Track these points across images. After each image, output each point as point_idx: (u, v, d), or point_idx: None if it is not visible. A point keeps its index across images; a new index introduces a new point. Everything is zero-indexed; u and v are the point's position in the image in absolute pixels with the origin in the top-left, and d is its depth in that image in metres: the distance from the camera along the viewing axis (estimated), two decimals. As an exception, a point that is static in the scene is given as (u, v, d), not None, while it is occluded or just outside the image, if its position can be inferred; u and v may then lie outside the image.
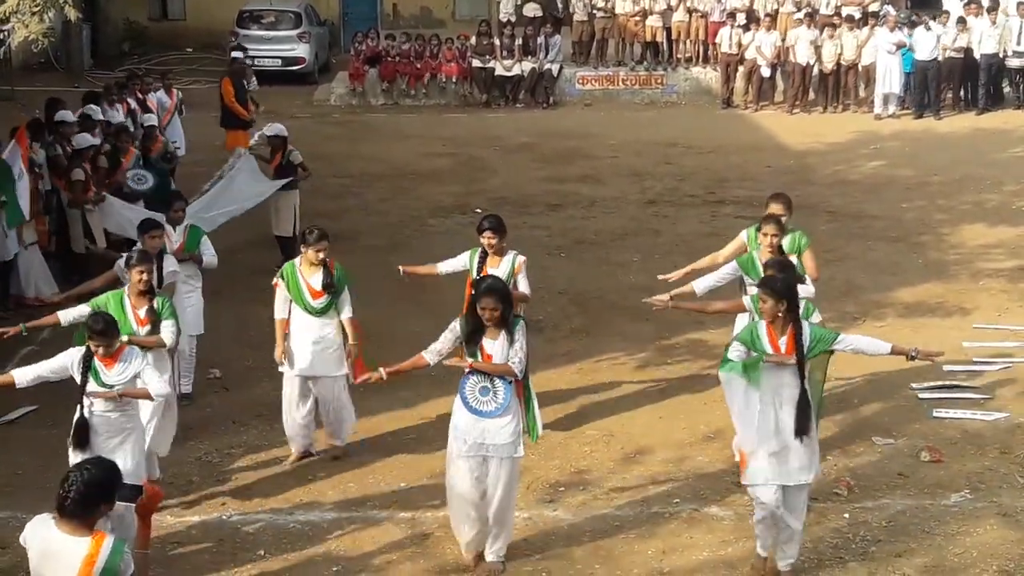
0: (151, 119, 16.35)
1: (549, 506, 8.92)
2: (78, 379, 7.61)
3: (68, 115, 14.42)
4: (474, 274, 9.68)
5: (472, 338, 7.70)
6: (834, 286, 13.66)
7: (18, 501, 8.84)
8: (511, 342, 7.66)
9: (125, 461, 7.26)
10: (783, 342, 7.56)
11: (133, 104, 17.23)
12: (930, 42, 24.15)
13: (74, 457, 7.54)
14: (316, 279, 9.36)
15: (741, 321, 9.27)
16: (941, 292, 13.56)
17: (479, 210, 17.27)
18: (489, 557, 8.03)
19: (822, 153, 21.40)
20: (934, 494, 8.98)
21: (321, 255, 9.29)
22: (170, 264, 9.86)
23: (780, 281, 7.68)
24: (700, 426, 10.22)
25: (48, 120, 14.55)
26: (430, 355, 7.89)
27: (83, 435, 7.61)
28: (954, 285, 13.84)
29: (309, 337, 9.41)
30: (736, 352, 7.66)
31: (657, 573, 8.00)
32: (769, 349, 7.56)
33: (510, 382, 7.71)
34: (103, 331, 7.55)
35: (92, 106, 15.56)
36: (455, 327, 7.81)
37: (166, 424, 9.00)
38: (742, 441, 7.80)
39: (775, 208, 9.76)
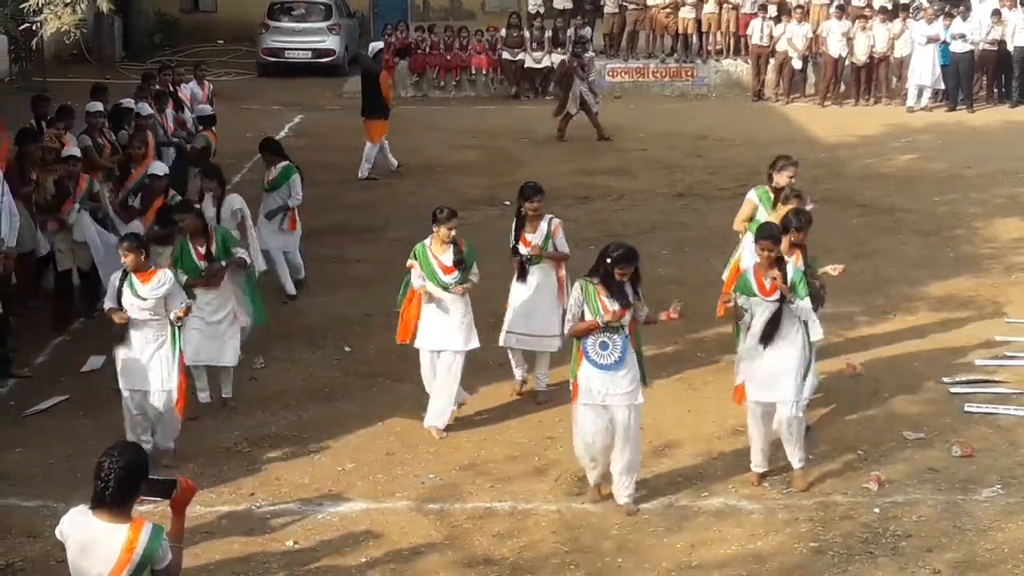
0: (206, 109, 16.41)
1: (577, 499, 8.90)
2: (115, 292, 9.12)
3: (97, 105, 14.48)
4: (512, 240, 10.46)
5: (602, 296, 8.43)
6: (864, 280, 13.59)
7: (48, 491, 8.91)
8: (637, 296, 8.54)
9: (162, 369, 9.10)
10: (767, 282, 8.73)
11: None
12: (966, 34, 23.99)
13: (120, 353, 9.17)
14: (447, 256, 9.76)
15: None
16: (973, 286, 13.46)
17: (508, 203, 17.25)
18: (623, 500, 8.67)
19: (853, 146, 21.29)
20: (965, 489, 8.93)
21: (452, 232, 9.70)
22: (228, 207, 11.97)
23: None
24: (729, 420, 10.18)
25: (116, 110, 15.17)
26: (568, 326, 8.65)
27: (124, 332, 9.12)
28: (986, 279, 13.74)
29: (440, 312, 9.72)
30: (742, 300, 8.84)
31: (685, 567, 7.98)
32: (758, 291, 8.75)
33: (627, 336, 8.48)
34: (131, 248, 9.07)
35: (129, 100, 15.67)
36: (577, 294, 8.49)
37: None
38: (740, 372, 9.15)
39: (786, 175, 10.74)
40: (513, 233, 10.53)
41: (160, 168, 12.37)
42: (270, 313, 12.61)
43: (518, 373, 10.81)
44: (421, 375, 10.17)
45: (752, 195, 11.06)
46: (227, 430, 10.02)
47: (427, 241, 9.90)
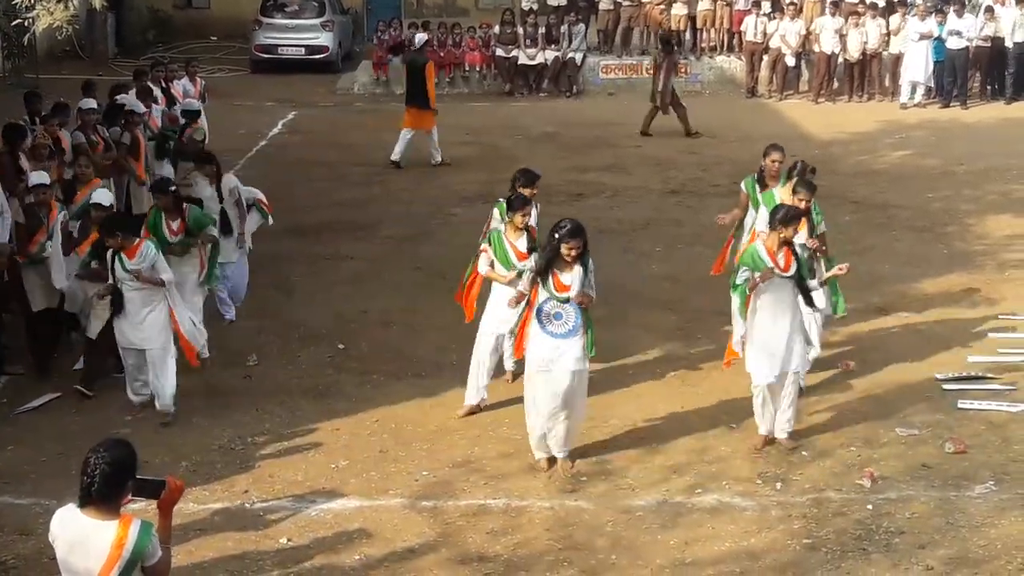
0: (193, 104, 16.40)
1: (571, 496, 8.90)
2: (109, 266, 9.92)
3: (91, 102, 14.46)
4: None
5: (546, 273, 8.88)
6: (858, 277, 13.55)
7: (41, 488, 8.90)
8: (586, 273, 8.93)
9: (156, 323, 9.96)
10: (780, 259, 9.24)
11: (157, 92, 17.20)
12: (960, 31, 24.02)
13: (117, 323, 10.00)
14: (522, 242, 9.94)
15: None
16: (966, 283, 13.48)
17: (502, 200, 17.25)
18: (560, 454, 9.24)
19: (847, 143, 21.31)
20: (958, 485, 8.94)
21: (527, 219, 9.93)
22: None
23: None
24: (722, 416, 10.19)
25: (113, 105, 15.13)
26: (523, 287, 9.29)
27: (119, 301, 9.92)
28: (980, 276, 13.76)
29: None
30: (743, 275, 9.26)
31: (679, 564, 7.99)
32: (770, 264, 9.20)
33: (582, 309, 8.94)
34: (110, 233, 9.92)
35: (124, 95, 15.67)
36: (530, 268, 9.16)
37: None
38: (737, 342, 9.61)
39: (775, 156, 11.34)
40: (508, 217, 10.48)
41: (105, 198, 11.16)
42: (262, 310, 12.64)
43: (510, 363, 10.82)
44: (475, 358, 10.25)
45: (742, 185, 11.66)
46: (220, 427, 10.01)
47: (502, 228, 10.15)
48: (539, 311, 8.96)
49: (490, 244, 10.05)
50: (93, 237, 10.68)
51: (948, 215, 16.49)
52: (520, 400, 10.47)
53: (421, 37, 21.32)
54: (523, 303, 9.27)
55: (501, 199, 10.66)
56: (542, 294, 8.96)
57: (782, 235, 9.25)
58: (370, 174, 18.98)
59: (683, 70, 21.99)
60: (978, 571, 7.82)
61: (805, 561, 7.97)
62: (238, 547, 8.21)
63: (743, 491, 8.93)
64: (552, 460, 9.29)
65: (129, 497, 5.38)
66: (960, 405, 10.30)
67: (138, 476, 5.39)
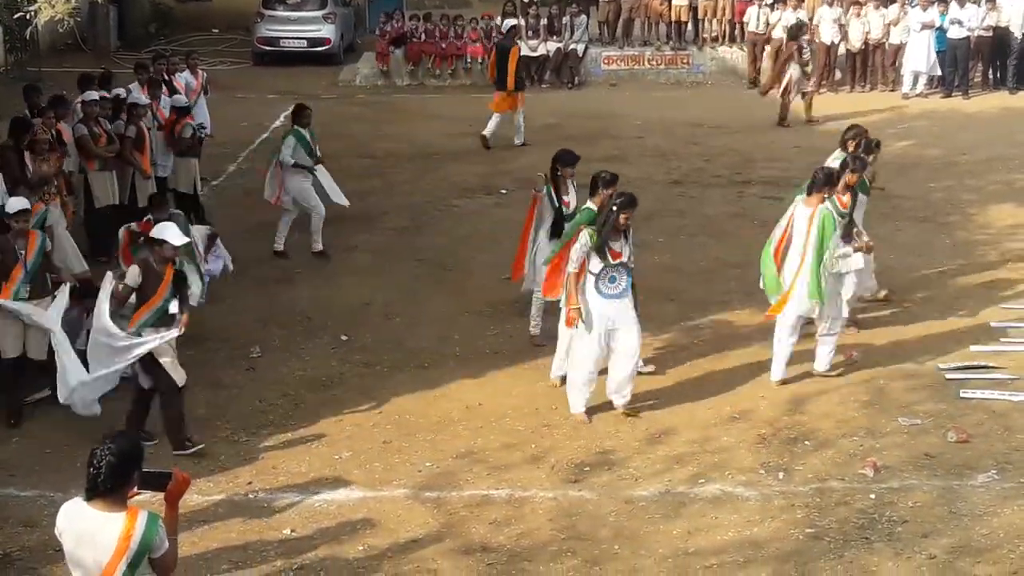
0: (180, 100, 16.40)
1: (574, 486, 8.92)
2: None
3: (93, 95, 14.46)
4: (556, 203, 11.41)
5: (604, 247, 9.64)
6: (861, 266, 13.61)
7: (45, 480, 8.93)
8: (628, 241, 9.83)
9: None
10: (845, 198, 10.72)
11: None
12: (962, 20, 23.98)
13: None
14: (619, 244, 9.88)
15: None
16: (969, 272, 13.48)
17: (504, 191, 17.27)
18: (620, 402, 10.04)
19: (849, 133, 21.24)
20: (961, 475, 8.95)
21: (628, 220, 9.82)
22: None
23: None
24: (725, 407, 10.21)
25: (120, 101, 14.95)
26: (572, 266, 9.76)
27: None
28: (982, 265, 13.76)
29: (612, 291, 9.82)
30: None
31: (682, 554, 8.00)
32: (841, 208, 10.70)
33: (630, 271, 9.81)
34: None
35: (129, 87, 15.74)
36: (585, 241, 9.63)
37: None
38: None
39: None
40: (553, 196, 11.42)
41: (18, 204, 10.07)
42: (266, 302, 12.66)
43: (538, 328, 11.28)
44: (581, 357, 9.95)
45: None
46: (224, 419, 10.03)
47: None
48: (596, 278, 9.68)
49: (591, 239, 9.89)
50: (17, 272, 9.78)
51: (950, 205, 16.48)
52: (520, 394, 10.53)
53: (509, 22, 22.30)
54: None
55: (590, 207, 10.41)
56: (596, 264, 9.66)
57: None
58: (371, 166, 18.97)
59: (802, 51, 21.79)
60: (981, 560, 7.84)
61: (808, 550, 7.99)
62: (242, 538, 8.24)
63: (746, 481, 8.94)
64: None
65: (136, 489, 5.40)
66: (963, 394, 10.31)
67: (144, 469, 5.41)
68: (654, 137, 21.12)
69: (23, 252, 9.85)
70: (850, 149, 12.18)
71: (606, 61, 27.00)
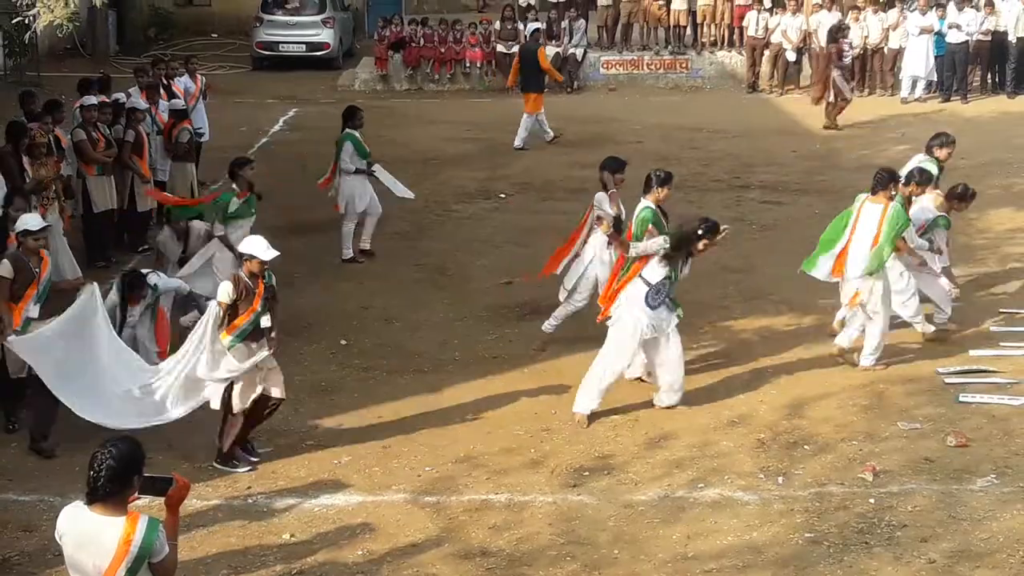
0: (178, 104, 16.41)
1: (573, 491, 8.92)
2: None
3: (91, 99, 14.46)
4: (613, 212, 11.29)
5: (676, 260, 9.83)
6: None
7: (45, 484, 8.92)
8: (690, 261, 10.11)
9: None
10: None
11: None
12: (960, 25, 24.00)
13: None
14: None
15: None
16: (968, 276, 13.47)
17: (503, 195, 17.29)
18: (674, 400, 10.21)
19: (848, 137, 21.30)
20: (960, 479, 8.95)
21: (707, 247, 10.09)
22: None
23: None
24: (724, 411, 10.21)
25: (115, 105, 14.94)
26: (635, 252, 9.94)
27: None
28: (981, 269, 13.76)
29: (658, 303, 10.03)
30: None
31: (681, 558, 8.00)
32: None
33: (674, 285, 10.06)
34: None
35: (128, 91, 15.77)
36: (663, 245, 9.77)
37: None
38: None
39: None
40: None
41: (35, 222, 9.77)
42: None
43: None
44: (617, 365, 10.05)
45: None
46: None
47: (652, 204, 10.42)
48: (656, 287, 9.83)
49: (654, 224, 10.20)
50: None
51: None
52: (520, 398, 10.53)
53: (532, 26, 22.65)
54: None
55: (650, 206, 10.42)
56: (657, 274, 9.81)
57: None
58: (371, 171, 18.96)
59: (842, 55, 21.85)
60: (980, 564, 7.83)
61: (807, 555, 7.98)
62: (241, 542, 8.23)
63: (745, 485, 8.94)
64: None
65: (136, 494, 5.39)
66: (962, 399, 10.31)
67: (146, 473, 5.41)
68: (653, 141, 21.12)
69: (37, 270, 9.53)
70: (938, 156, 12.32)
71: (605, 65, 27.03)
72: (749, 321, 12.20)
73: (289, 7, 28.61)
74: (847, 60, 22.06)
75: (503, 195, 17.37)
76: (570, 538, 8.25)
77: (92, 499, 5.30)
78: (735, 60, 26.90)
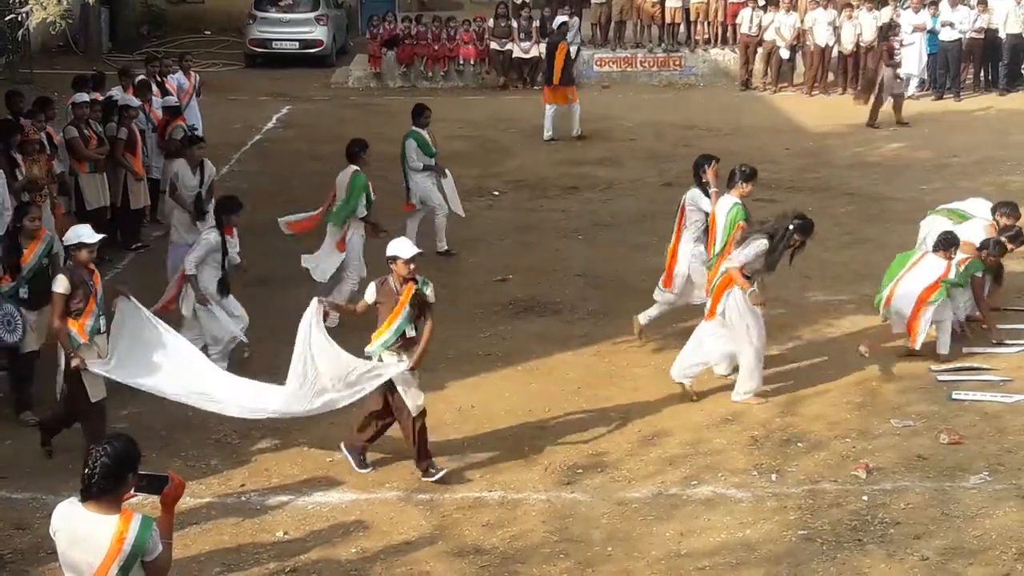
0: (171, 101, 16.40)
1: (567, 488, 8.92)
2: None
3: (83, 96, 14.44)
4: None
5: (775, 257, 10.00)
6: (852, 268, 13.65)
7: (38, 482, 8.90)
8: None
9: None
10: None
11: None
12: (953, 22, 24.03)
13: None
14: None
15: None
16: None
17: (497, 193, 17.28)
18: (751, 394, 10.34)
19: (841, 135, 21.32)
20: (953, 476, 8.96)
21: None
22: None
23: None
24: (718, 409, 10.22)
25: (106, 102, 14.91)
26: (735, 264, 9.98)
27: None
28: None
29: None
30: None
31: (675, 555, 8.00)
32: None
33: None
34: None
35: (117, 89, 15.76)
36: (763, 247, 9.87)
37: None
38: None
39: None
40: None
41: (89, 234, 9.25)
42: (261, 306, 12.62)
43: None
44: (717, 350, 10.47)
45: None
46: (216, 421, 9.99)
47: (739, 200, 10.61)
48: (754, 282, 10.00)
49: (746, 220, 10.40)
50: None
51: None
52: (513, 396, 10.53)
53: (560, 19, 22.87)
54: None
55: (738, 202, 10.65)
56: (757, 266, 9.94)
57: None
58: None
59: (893, 53, 21.88)
60: (973, 561, 7.85)
61: (800, 552, 7.99)
62: (234, 540, 8.23)
63: (738, 483, 8.95)
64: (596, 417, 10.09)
65: (132, 492, 5.39)
66: (955, 396, 10.32)
67: (141, 471, 5.40)
68: (646, 139, 21.15)
69: (91, 284, 9.16)
70: (1001, 222, 11.99)
71: (598, 63, 27.03)
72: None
73: (282, 4, 28.56)
74: (898, 58, 22.04)
75: (496, 193, 17.36)
76: (563, 535, 8.26)
77: (86, 496, 5.29)
78: (728, 58, 26.92)
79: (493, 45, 26.49)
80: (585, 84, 26.55)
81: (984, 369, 10.90)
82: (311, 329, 8.93)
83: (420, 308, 8.89)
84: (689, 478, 9.04)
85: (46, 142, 13.27)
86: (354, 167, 12.35)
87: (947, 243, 11.32)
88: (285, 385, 8.92)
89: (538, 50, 26.20)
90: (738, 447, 9.51)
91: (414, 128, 14.43)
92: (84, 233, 9.18)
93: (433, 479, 8.95)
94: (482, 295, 12.92)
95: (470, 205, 16.67)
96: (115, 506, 5.30)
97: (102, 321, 9.16)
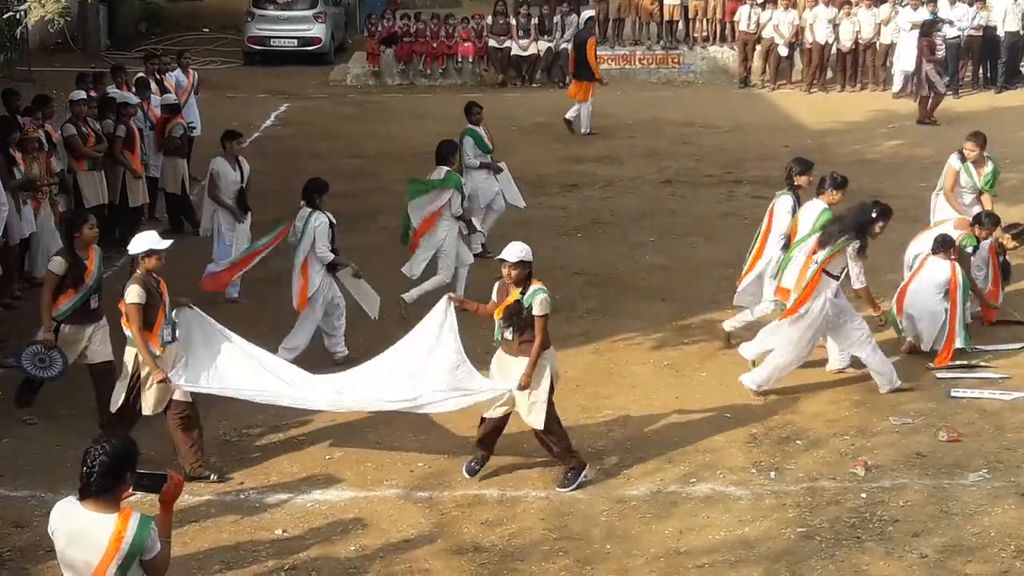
0: (171, 99, 16.39)
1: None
2: None
3: (81, 94, 14.42)
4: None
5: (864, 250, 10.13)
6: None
7: (36, 480, 8.91)
8: None
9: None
10: None
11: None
12: (952, 20, 24.00)
13: None
14: None
15: None
16: (959, 272, 13.49)
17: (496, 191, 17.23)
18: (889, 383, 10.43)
19: (840, 132, 21.31)
20: (952, 474, 8.97)
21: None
22: None
23: None
24: (716, 406, 10.22)
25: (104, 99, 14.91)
26: (861, 282, 10.18)
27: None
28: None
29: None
30: None
31: (674, 553, 8.01)
32: None
33: None
34: None
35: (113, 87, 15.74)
36: (854, 243, 9.99)
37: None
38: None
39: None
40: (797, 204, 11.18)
41: (156, 241, 8.92)
42: (261, 304, 12.63)
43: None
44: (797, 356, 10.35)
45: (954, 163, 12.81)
46: (215, 419, 9.99)
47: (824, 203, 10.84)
48: (835, 283, 10.04)
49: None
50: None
51: (941, 204, 16.46)
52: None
53: (587, 14, 22.94)
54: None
55: (826, 208, 10.89)
56: (840, 264, 10.04)
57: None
58: (363, 166, 18.97)
59: (934, 49, 21.84)
60: (972, 559, 7.85)
61: (799, 550, 7.99)
62: (233, 538, 8.23)
63: (737, 480, 8.95)
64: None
65: (130, 490, 5.38)
66: (953, 394, 10.33)
67: (140, 470, 5.39)
68: (645, 136, 21.15)
69: (160, 292, 8.90)
70: (1008, 245, 12.32)
71: (597, 60, 26.94)
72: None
73: (281, 2, 28.53)
74: (940, 54, 22.02)
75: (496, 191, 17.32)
76: (562, 533, 8.26)
77: (84, 495, 5.29)
78: (727, 55, 26.91)
79: (492, 42, 26.48)
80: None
81: (983, 366, 10.90)
82: (441, 328, 8.94)
83: (516, 318, 8.66)
84: (688, 476, 9.04)
85: (45, 140, 13.26)
86: (446, 167, 12.65)
87: (946, 244, 11.36)
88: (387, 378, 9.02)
89: (536, 47, 26.21)
90: (737, 445, 9.52)
91: (469, 126, 14.48)
92: (153, 239, 8.83)
93: (569, 485, 8.84)
94: (481, 292, 12.86)
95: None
96: (114, 505, 5.30)
97: (170, 331, 8.95)
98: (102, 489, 5.26)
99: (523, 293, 8.66)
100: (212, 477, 8.96)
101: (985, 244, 12.00)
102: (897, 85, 24.56)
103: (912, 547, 7.98)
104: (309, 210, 11.24)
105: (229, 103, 23.30)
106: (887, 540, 8.08)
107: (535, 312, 8.61)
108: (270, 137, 21.38)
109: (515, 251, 8.69)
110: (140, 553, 5.29)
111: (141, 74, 16.82)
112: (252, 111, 22.98)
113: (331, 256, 11.23)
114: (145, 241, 8.83)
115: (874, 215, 10.12)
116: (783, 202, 11.13)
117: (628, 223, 15.81)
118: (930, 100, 21.92)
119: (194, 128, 17.63)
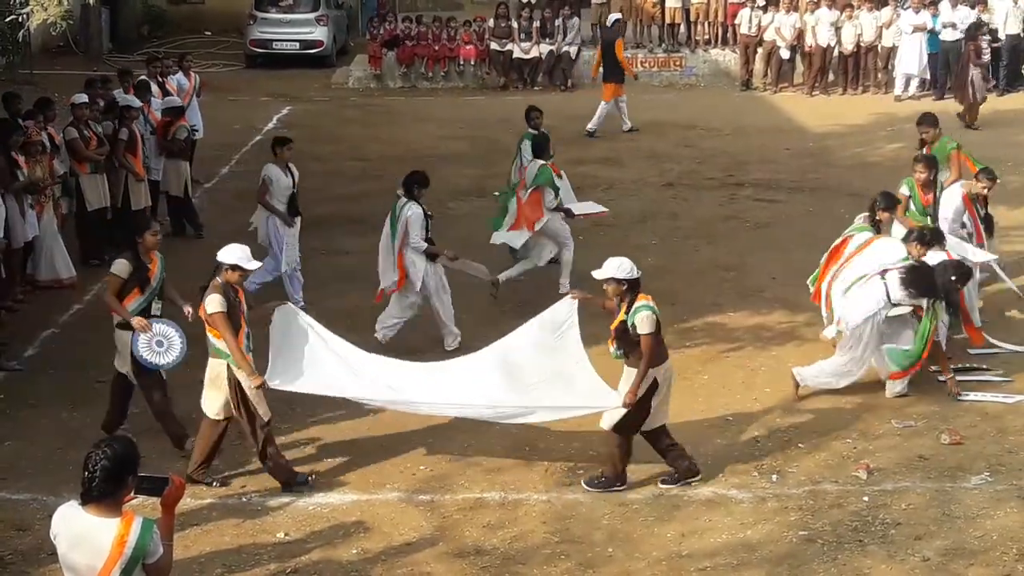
0: (175, 101, 16.39)
1: (568, 489, 8.92)
2: None
3: (83, 97, 14.44)
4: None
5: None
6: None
7: (39, 483, 8.91)
8: None
9: None
10: None
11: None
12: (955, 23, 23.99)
13: None
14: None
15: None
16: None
17: (497, 193, 17.23)
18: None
19: (842, 135, 21.30)
20: (954, 477, 8.97)
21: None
22: None
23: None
24: (718, 409, 10.22)
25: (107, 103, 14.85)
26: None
27: None
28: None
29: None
30: None
31: (675, 556, 8.01)
32: None
33: None
34: None
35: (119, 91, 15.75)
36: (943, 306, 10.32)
37: None
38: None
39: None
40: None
41: (242, 256, 8.87)
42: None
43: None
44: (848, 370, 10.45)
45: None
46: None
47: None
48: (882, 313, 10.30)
49: None
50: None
51: (943, 207, 16.45)
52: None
53: (613, 17, 22.99)
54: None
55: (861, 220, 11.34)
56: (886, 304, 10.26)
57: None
58: (365, 168, 18.97)
59: (980, 53, 21.83)
60: (974, 562, 7.85)
61: (801, 553, 7.99)
62: (235, 541, 8.23)
63: (739, 483, 8.95)
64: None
65: (132, 494, 5.38)
66: (959, 397, 10.31)
67: (141, 473, 5.39)
68: (647, 139, 21.14)
69: (239, 301, 8.89)
70: (982, 189, 12.59)
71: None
72: (743, 319, 12.21)
73: (283, 5, 28.52)
74: (986, 58, 22.00)
75: (497, 193, 17.31)
76: (564, 536, 8.26)
77: (86, 499, 5.28)
78: (729, 58, 26.90)
79: (493, 45, 26.47)
80: (586, 85, 26.54)
81: (985, 369, 10.89)
82: (567, 328, 8.93)
83: (623, 338, 8.57)
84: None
85: (47, 143, 13.26)
86: (541, 161, 13.14)
87: (924, 238, 10.92)
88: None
89: (538, 50, 26.20)
90: (739, 448, 9.51)
91: (529, 130, 14.59)
92: (244, 256, 8.81)
93: (603, 487, 8.84)
94: (483, 296, 12.90)
95: (469, 206, 16.71)
96: (116, 509, 5.29)
97: (249, 341, 8.92)
98: (104, 494, 5.25)
99: (628, 311, 8.51)
100: (215, 484, 8.95)
101: (955, 189, 12.25)
102: (899, 88, 24.55)
103: (914, 550, 7.97)
104: (405, 200, 11.62)
105: (231, 106, 23.31)
106: (889, 543, 8.07)
107: (639, 331, 8.44)
108: (272, 140, 21.32)
109: (608, 268, 8.61)
110: (143, 557, 5.29)
111: (143, 77, 16.82)
112: (254, 114, 22.98)
113: (424, 245, 11.50)
114: (236, 254, 8.78)
115: (953, 280, 10.22)
116: (865, 236, 11.11)
117: (630, 226, 15.80)
118: (975, 104, 21.85)
119: (196, 131, 17.63)
